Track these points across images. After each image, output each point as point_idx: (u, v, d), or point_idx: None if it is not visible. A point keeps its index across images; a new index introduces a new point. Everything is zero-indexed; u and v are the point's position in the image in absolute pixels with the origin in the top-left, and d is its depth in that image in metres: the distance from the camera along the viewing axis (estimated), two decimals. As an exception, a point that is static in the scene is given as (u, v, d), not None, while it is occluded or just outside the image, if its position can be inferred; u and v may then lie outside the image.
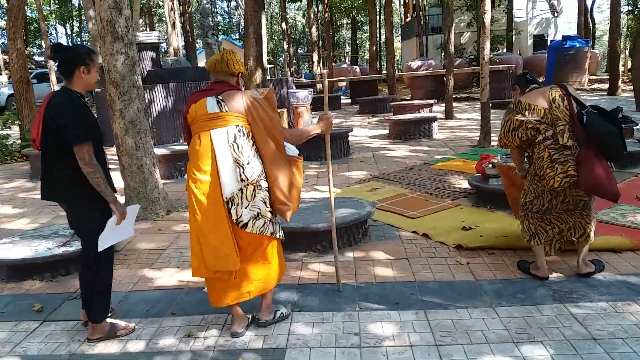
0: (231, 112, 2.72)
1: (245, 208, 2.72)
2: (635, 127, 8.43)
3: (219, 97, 2.74)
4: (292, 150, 3.00)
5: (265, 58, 7.74)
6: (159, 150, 7.21)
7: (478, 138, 8.66)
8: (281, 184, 2.80)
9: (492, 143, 8.47)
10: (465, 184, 5.98)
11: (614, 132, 3.28)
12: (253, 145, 2.77)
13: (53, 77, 15.13)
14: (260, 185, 2.76)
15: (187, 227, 5.04)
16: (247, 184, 2.71)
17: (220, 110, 2.72)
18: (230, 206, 2.70)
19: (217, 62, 2.82)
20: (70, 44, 2.89)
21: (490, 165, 5.09)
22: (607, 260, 3.71)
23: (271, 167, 2.79)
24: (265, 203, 2.80)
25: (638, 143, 7.01)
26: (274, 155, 2.80)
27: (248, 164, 2.70)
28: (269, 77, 26.39)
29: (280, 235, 2.93)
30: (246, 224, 2.74)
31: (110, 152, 8.02)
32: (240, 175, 2.68)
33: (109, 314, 3.11)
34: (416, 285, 3.50)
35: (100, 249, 2.86)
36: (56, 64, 2.86)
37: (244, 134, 2.73)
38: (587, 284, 3.35)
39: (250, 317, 3.05)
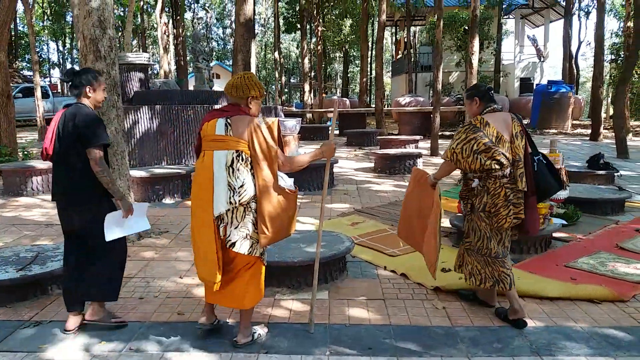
0: (234, 136, 2.86)
1: (235, 228, 2.87)
2: (616, 174, 8.48)
3: (229, 120, 2.90)
4: (287, 182, 3.05)
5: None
6: (138, 173, 7.04)
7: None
8: (264, 211, 2.87)
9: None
10: (446, 223, 5.88)
11: (555, 189, 3.47)
12: (251, 169, 2.88)
13: (38, 92, 14.92)
14: (250, 207, 2.90)
15: (157, 254, 4.87)
16: (237, 206, 2.84)
17: (225, 133, 2.87)
18: (219, 223, 2.88)
19: (230, 86, 3.00)
20: (78, 68, 3.29)
21: (473, 206, 5.00)
22: (586, 311, 3.60)
23: (261, 193, 2.87)
24: (254, 225, 2.92)
25: (618, 190, 7.01)
26: (265, 183, 2.87)
27: (241, 186, 2.83)
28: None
29: (264, 260, 3.05)
30: (234, 244, 2.89)
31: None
32: (230, 198, 2.82)
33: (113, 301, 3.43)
34: (391, 329, 3.34)
35: (107, 239, 3.19)
36: (69, 85, 3.33)
37: (242, 159, 2.85)
38: (565, 336, 3.23)
39: (219, 322, 3.27)
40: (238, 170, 2.83)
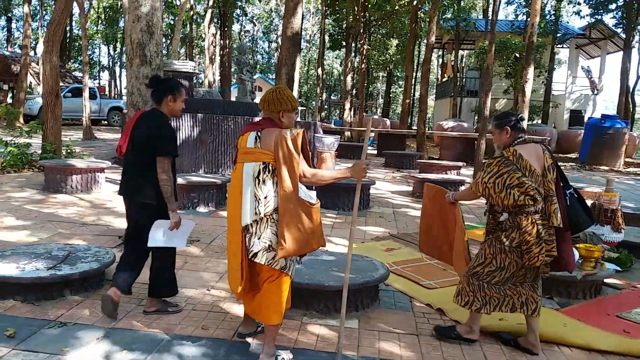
0: (262, 149, 2.89)
1: (258, 239, 2.88)
2: (673, 219, 7.94)
3: (259, 133, 2.94)
4: (307, 194, 2.95)
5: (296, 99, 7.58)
6: (174, 179, 7.02)
7: (505, 208, 8.26)
8: (283, 222, 2.83)
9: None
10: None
11: (587, 223, 3.39)
12: (276, 181, 2.89)
13: (86, 93, 15.34)
14: (273, 218, 2.89)
15: (186, 263, 4.76)
16: (261, 217, 2.85)
17: (254, 146, 2.92)
18: (246, 234, 2.90)
19: (262, 100, 3.03)
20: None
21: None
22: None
23: (281, 205, 2.84)
24: (276, 236, 2.89)
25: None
26: (285, 193, 2.83)
27: (265, 198, 2.85)
28: (298, 119, 26.65)
29: (292, 274, 3.01)
30: (256, 254, 2.89)
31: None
32: (256, 208, 2.85)
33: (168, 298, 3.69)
34: (424, 368, 3.11)
35: (149, 244, 3.37)
36: (150, 92, 3.48)
37: (269, 170, 2.87)
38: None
39: (258, 329, 3.32)
40: (264, 182, 2.87)
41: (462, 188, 9.55)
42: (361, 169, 2.96)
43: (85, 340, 3.16)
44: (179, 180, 7.00)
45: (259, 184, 2.86)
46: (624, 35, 24.83)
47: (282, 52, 6.96)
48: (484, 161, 12.41)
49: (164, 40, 39.41)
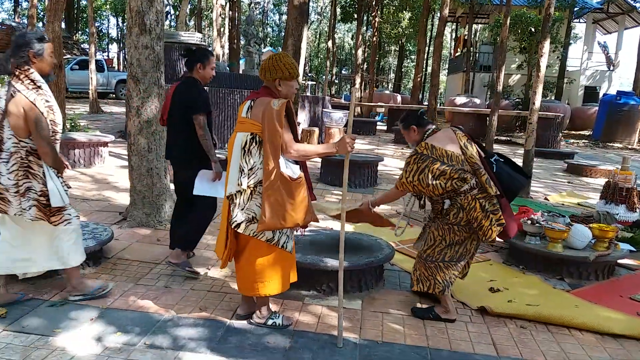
0: (251, 119, 2.84)
1: (241, 210, 2.86)
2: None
3: (252, 102, 2.89)
4: (290, 168, 2.89)
5: (301, 72, 7.39)
6: (178, 154, 6.90)
7: (516, 186, 8.07)
8: (264, 195, 2.78)
9: (531, 194, 7.88)
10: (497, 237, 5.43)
11: (523, 182, 3.45)
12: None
13: (92, 65, 15.15)
14: (258, 191, 2.85)
15: (188, 241, 4.67)
16: (244, 188, 2.83)
17: (246, 115, 2.87)
18: (230, 203, 2.90)
19: (261, 68, 2.98)
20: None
21: (529, 222, 4.55)
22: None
23: (264, 178, 2.80)
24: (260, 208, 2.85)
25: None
26: (268, 167, 2.78)
27: (251, 169, 2.82)
28: (308, 94, 26.32)
29: (285, 247, 2.96)
30: (239, 225, 2.87)
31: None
32: (239, 179, 2.83)
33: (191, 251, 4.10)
34: (428, 352, 3.00)
35: (194, 192, 3.69)
36: (184, 61, 3.85)
37: (256, 142, 2.83)
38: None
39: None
40: (250, 152, 2.84)
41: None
42: (346, 143, 2.85)
43: (79, 320, 3.08)
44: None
45: (244, 154, 2.84)
46: (643, 10, 24.04)
47: (289, 22, 6.74)
48: (495, 138, 12.16)
49: (172, 11, 38.73)
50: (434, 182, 3.21)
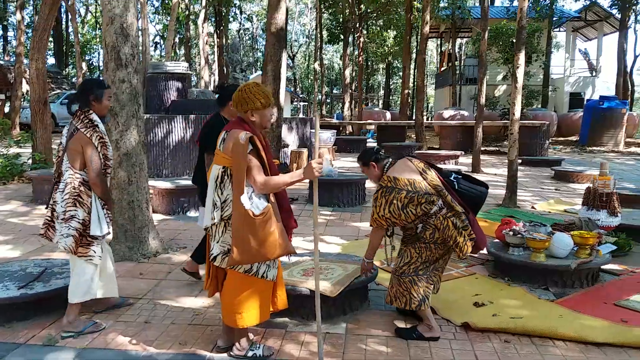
0: (223, 152, 2.83)
1: (217, 243, 2.86)
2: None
3: (226, 134, 2.87)
4: (255, 204, 2.82)
5: (282, 96, 7.46)
6: (163, 184, 6.92)
7: (503, 196, 8.11)
8: (233, 230, 2.79)
9: (518, 204, 7.91)
10: (483, 250, 5.43)
11: (484, 193, 3.54)
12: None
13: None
14: (231, 223, 2.83)
15: (170, 273, 4.65)
16: (218, 222, 2.83)
17: (219, 148, 2.87)
18: (209, 236, 2.93)
19: (232, 101, 2.97)
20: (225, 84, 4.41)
21: (511, 233, 4.57)
22: (642, 364, 3.12)
23: (233, 216, 2.80)
24: None
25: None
26: (234, 203, 2.78)
27: (224, 202, 2.81)
28: (302, 115, 26.43)
29: (266, 277, 2.93)
30: (215, 257, 2.88)
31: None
32: (212, 213, 2.82)
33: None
34: (411, 374, 2.98)
35: (198, 223, 4.29)
36: (216, 97, 4.06)
37: (228, 175, 2.81)
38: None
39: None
40: (223, 185, 2.82)
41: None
42: (312, 169, 2.81)
43: (53, 361, 3.03)
44: (167, 185, 6.91)
45: (216, 188, 2.83)
46: (619, 16, 24.48)
47: (267, 48, 6.82)
48: (482, 149, 12.23)
49: (161, 42, 38.92)
50: (405, 211, 3.30)
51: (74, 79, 30.69)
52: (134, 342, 3.30)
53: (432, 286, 3.55)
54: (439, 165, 3.76)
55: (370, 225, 3.52)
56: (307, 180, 8.11)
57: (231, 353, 3.09)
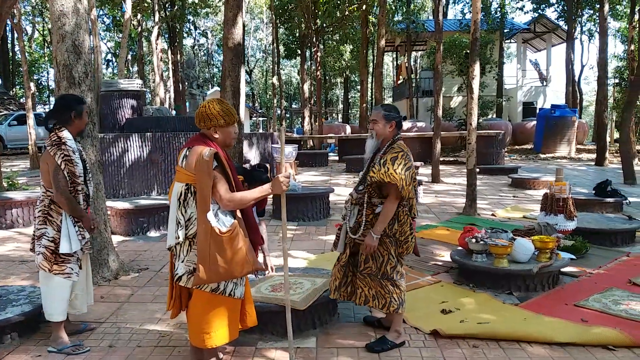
0: (185, 169, 2.76)
1: (182, 262, 2.80)
2: (624, 202, 8.13)
3: (188, 150, 2.79)
4: (221, 221, 2.79)
5: (242, 112, 7.42)
6: (121, 205, 6.72)
7: (464, 205, 8.28)
8: (198, 251, 2.73)
9: (478, 212, 8.09)
10: (447, 257, 5.52)
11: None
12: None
13: (31, 120, 14.69)
14: (195, 242, 2.77)
15: (133, 295, 4.50)
16: (182, 240, 2.77)
17: (181, 165, 2.78)
18: (173, 255, 2.86)
19: (195, 117, 2.90)
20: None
21: (474, 240, 4.65)
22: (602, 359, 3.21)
23: (197, 234, 2.75)
24: None
25: (628, 219, 6.64)
26: (198, 220, 2.74)
27: (188, 220, 2.75)
28: (261, 131, 26.30)
29: (233, 295, 2.88)
30: (180, 277, 2.82)
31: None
32: (176, 232, 2.76)
33: None
34: (383, 384, 2.97)
35: None
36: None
37: (191, 192, 2.75)
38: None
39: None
40: (187, 203, 2.76)
41: (420, 189, 9.51)
42: (280, 182, 2.83)
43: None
44: (125, 206, 6.72)
45: (180, 206, 2.76)
46: (566, 28, 25.64)
47: (225, 64, 6.78)
48: (440, 159, 12.49)
49: (113, 59, 38.20)
50: (412, 184, 3.23)
51: (21, 99, 29.68)
52: (96, 369, 3.17)
53: (405, 290, 3.49)
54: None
55: (389, 191, 3.22)
56: (271, 196, 8.08)
57: None
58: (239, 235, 2.81)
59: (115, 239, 6.16)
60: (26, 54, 14.70)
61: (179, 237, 2.77)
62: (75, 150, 3.42)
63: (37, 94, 32.84)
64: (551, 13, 32.70)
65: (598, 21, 17.91)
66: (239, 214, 2.94)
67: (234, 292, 2.90)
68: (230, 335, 2.94)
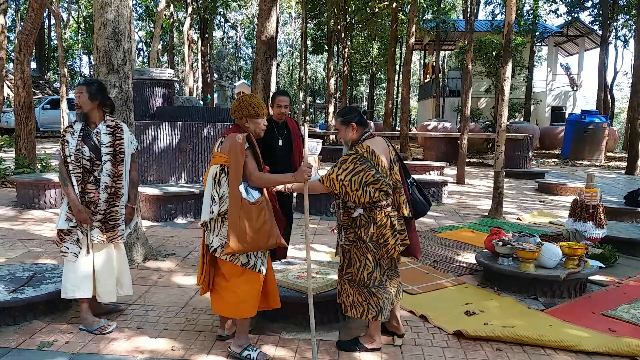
0: (220, 152, 3.07)
1: (216, 236, 3.07)
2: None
3: (224, 139, 3.14)
4: (250, 193, 3.07)
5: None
6: (150, 190, 6.84)
7: (489, 208, 8.20)
8: (229, 221, 2.98)
9: (504, 215, 8.01)
10: (472, 259, 5.49)
11: (426, 208, 3.48)
12: None
13: (64, 104, 15.02)
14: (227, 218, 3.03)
15: (160, 279, 4.60)
16: (216, 216, 3.04)
17: (217, 150, 3.11)
18: (206, 230, 3.12)
19: (231, 108, 3.26)
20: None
21: (501, 243, 4.62)
22: (631, 373, 3.17)
23: (229, 205, 3.00)
24: None
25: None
26: (231, 195, 3.00)
27: (221, 198, 3.03)
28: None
29: (261, 271, 3.12)
30: (215, 249, 3.08)
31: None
32: (211, 207, 3.04)
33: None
34: (405, 381, 2.98)
35: None
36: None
37: (225, 173, 3.05)
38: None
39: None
40: (220, 182, 3.04)
41: (445, 189, 9.46)
42: (303, 171, 3.03)
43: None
44: (155, 192, 6.84)
45: (214, 185, 3.05)
46: (600, 32, 25.10)
47: (257, 57, 6.84)
48: (466, 160, 12.39)
49: (144, 48, 38.75)
50: (364, 189, 3.04)
51: (54, 84, 30.32)
52: (127, 348, 3.26)
53: (388, 296, 3.28)
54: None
55: (321, 182, 3.19)
56: (295, 194, 8.16)
57: (230, 347, 3.20)
58: (265, 209, 3.07)
59: (144, 224, 6.28)
60: (61, 40, 14.97)
61: (213, 212, 3.03)
62: (75, 132, 3.42)
63: (69, 79, 33.49)
64: (585, 17, 32.05)
65: (634, 26, 17.47)
66: (265, 194, 3.17)
67: (261, 268, 3.14)
68: (256, 308, 3.19)
